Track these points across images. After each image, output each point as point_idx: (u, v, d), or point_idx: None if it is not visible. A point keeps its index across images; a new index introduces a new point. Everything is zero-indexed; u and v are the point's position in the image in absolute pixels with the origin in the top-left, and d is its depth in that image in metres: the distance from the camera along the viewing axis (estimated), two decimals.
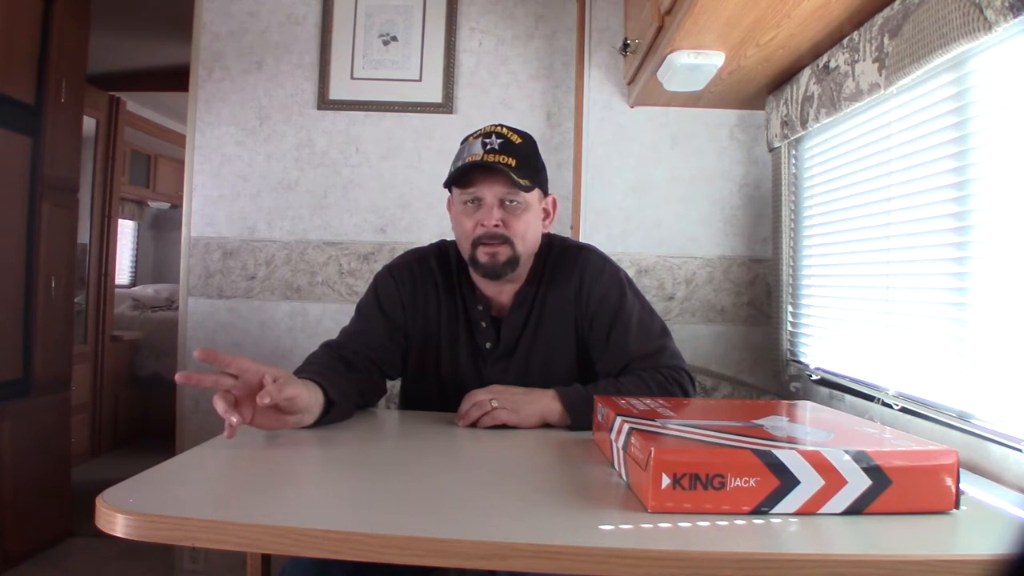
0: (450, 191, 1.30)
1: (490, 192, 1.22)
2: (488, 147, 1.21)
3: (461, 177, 1.23)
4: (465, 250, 1.26)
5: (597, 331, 1.28)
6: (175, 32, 2.82)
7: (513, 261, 1.23)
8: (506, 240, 1.22)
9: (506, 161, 1.19)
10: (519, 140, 1.25)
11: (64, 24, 2.36)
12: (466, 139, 1.28)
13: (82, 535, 2.50)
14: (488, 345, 1.30)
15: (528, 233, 1.25)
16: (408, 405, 1.39)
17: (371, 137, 2.14)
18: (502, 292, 1.31)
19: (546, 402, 1.17)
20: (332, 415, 1.12)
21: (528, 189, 1.23)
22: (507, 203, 1.23)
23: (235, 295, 2.14)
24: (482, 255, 1.23)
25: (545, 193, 1.32)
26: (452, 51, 2.13)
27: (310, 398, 1.06)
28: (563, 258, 1.32)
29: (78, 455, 3.13)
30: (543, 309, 1.30)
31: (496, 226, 1.21)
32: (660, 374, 1.24)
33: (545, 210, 1.32)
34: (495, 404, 1.15)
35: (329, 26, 2.13)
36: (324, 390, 1.09)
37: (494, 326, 1.30)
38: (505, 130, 1.25)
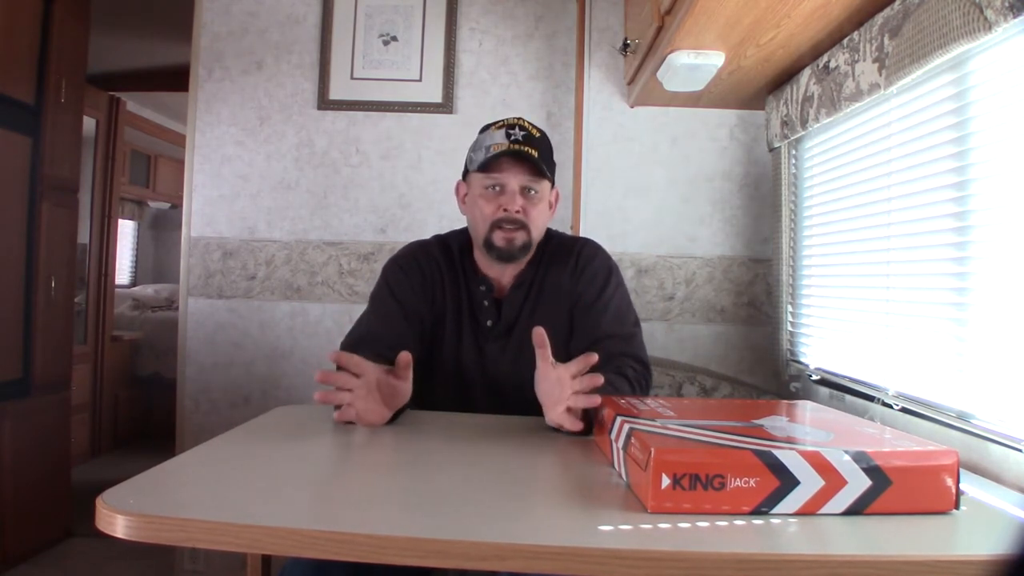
0: (464, 178, 1.39)
1: (514, 179, 1.29)
2: (512, 138, 1.28)
3: (487, 163, 1.29)
4: (481, 232, 1.32)
5: (580, 308, 1.35)
6: (175, 32, 2.82)
7: (526, 246, 1.31)
8: (524, 226, 1.30)
9: (531, 152, 1.27)
10: (539, 134, 1.33)
11: (64, 24, 2.36)
12: (486, 128, 1.35)
13: (82, 535, 2.50)
14: (489, 323, 1.35)
15: (540, 222, 1.34)
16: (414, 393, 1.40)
17: (371, 137, 2.14)
18: (504, 275, 1.37)
19: None
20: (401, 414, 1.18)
21: (547, 179, 1.32)
22: (527, 192, 1.30)
23: (235, 295, 2.14)
24: (499, 239, 1.30)
25: (552, 186, 1.39)
26: (452, 51, 2.13)
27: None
28: (561, 245, 1.41)
29: (78, 455, 3.13)
30: (541, 289, 1.36)
31: (518, 212, 1.28)
32: (626, 375, 1.24)
33: (550, 202, 1.39)
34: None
35: (329, 26, 2.13)
36: None
37: (495, 305, 1.36)
38: (526, 123, 1.33)
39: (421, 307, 1.35)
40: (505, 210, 1.28)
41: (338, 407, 1.08)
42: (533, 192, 1.30)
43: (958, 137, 1.13)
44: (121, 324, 4.07)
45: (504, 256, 1.31)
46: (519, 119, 1.34)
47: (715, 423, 0.89)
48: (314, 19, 2.15)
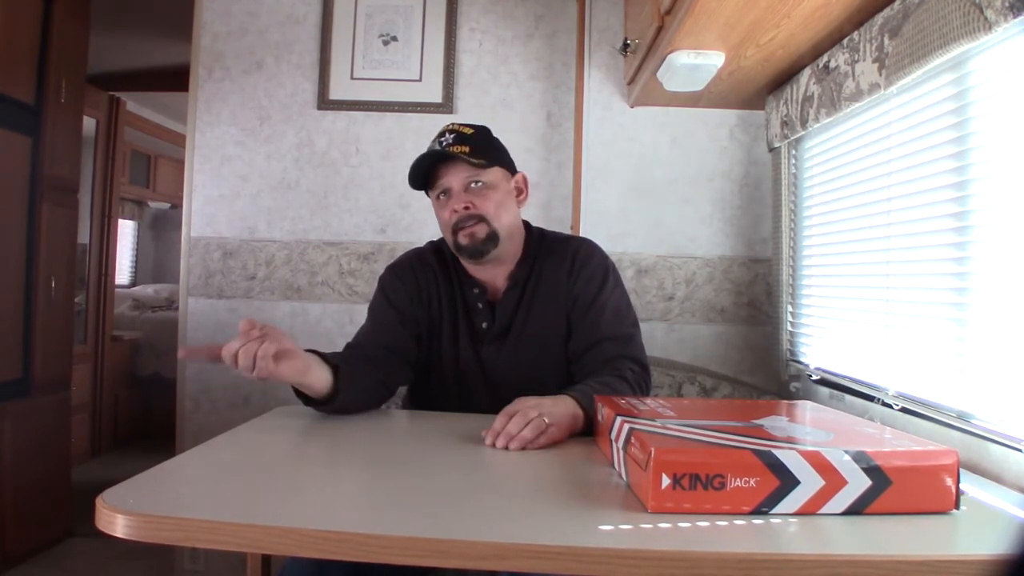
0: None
1: (454, 180, 1.29)
2: (443, 143, 1.29)
3: (426, 176, 1.31)
4: (449, 240, 1.34)
5: (578, 309, 1.34)
6: (175, 32, 2.82)
7: (492, 237, 1.29)
8: (480, 219, 1.28)
9: (459, 150, 1.27)
10: (471, 131, 1.32)
11: (64, 24, 2.36)
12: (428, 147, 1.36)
13: (82, 535, 2.50)
14: (484, 325, 1.35)
15: (501, 211, 1.31)
16: (414, 396, 1.42)
17: (371, 137, 2.14)
18: (496, 276, 1.37)
19: (572, 410, 1.11)
20: (345, 396, 1.16)
21: (485, 167, 1.30)
22: (472, 186, 1.30)
23: (235, 295, 2.14)
24: (462, 238, 1.29)
25: (512, 172, 1.38)
26: (452, 51, 2.13)
27: (302, 353, 1.11)
28: (556, 244, 1.40)
29: (78, 455, 3.13)
30: (536, 290, 1.35)
31: (466, 208, 1.28)
32: (626, 377, 1.24)
33: (517, 187, 1.38)
34: (548, 420, 1.04)
35: (329, 26, 2.13)
36: (335, 369, 1.15)
37: (489, 308, 1.36)
38: (456, 126, 1.33)
39: (418, 312, 1.35)
40: (455, 211, 1.29)
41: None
42: (480, 184, 1.29)
43: (958, 137, 1.13)
44: (121, 324, 4.07)
45: (474, 253, 1.30)
46: (449, 125, 1.34)
47: (715, 423, 0.89)
48: (314, 19, 2.15)
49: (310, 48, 2.15)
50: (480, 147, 1.30)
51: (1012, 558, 0.38)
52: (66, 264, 2.49)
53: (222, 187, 2.15)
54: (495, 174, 1.32)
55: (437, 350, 1.36)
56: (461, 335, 1.35)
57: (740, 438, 0.81)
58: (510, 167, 1.37)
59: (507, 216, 1.32)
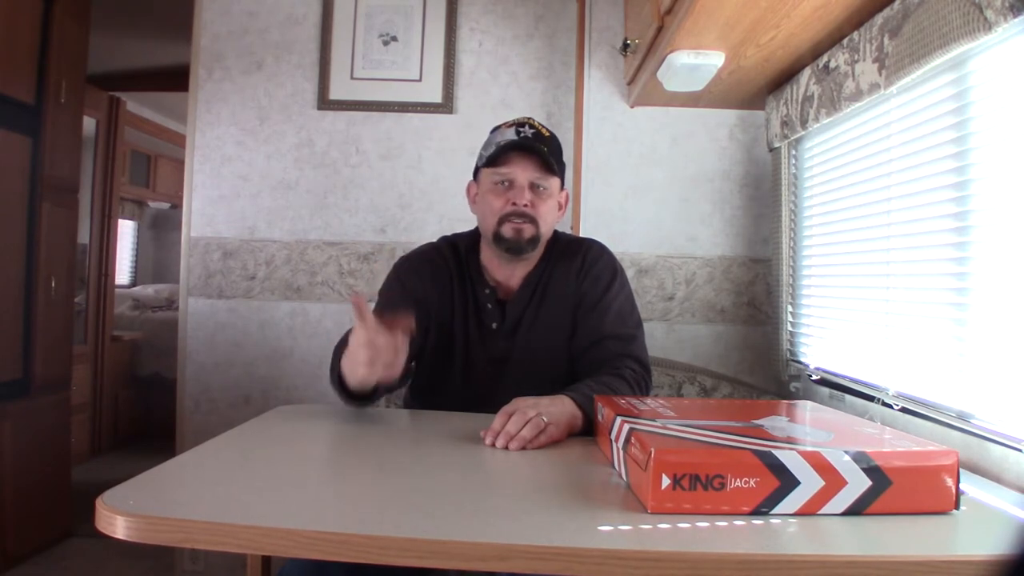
0: (475, 177, 1.39)
1: (523, 174, 1.30)
2: (522, 135, 1.31)
3: (496, 157, 1.31)
4: (489, 227, 1.33)
5: (583, 307, 1.35)
6: (175, 32, 2.82)
7: (535, 240, 1.31)
8: (532, 220, 1.30)
9: (539, 146, 1.30)
10: (548, 134, 1.35)
11: (64, 24, 2.36)
12: (497, 127, 1.37)
13: (82, 535, 2.50)
14: (494, 325, 1.36)
15: (549, 218, 1.34)
16: (419, 394, 1.41)
17: (371, 137, 2.14)
18: (512, 277, 1.37)
19: (571, 409, 1.11)
20: (379, 393, 1.20)
21: (554, 175, 1.33)
22: (536, 187, 1.31)
23: (235, 295, 2.14)
24: (508, 230, 1.30)
25: (562, 187, 1.40)
26: (452, 51, 2.13)
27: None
28: (569, 246, 1.42)
29: (78, 455, 3.13)
30: (547, 290, 1.37)
31: (526, 206, 1.29)
32: (624, 376, 1.25)
33: (559, 203, 1.39)
34: (546, 419, 1.05)
35: (329, 26, 2.13)
36: None
37: (499, 307, 1.37)
38: (536, 123, 1.35)
39: (431, 299, 1.35)
40: (514, 204, 1.29)
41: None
42: (542, 188, 1.31)
43: (958, 137, 1.13)
44: (121, 324, 4.07)
45: (513, 248, 1.30)
46: (529, 119, 1.37)
47: (715, 423, 0.89)
48: (314, 19, 2.15)
49: (310, 48, 2.15)
50: (554, 153, 1.32)
51: (1012, 558, 0.38)
52: (66, 264, 2.49)
53: (222, 187, 2.15)
54: (555, 184, 1.34)
55: (446, 348, 1.36)
56: (471, 332, 1.36)
57: (740, 438, 0.81)
58: (563, 181, 1.39)
59: (551, 224, 1.36)
